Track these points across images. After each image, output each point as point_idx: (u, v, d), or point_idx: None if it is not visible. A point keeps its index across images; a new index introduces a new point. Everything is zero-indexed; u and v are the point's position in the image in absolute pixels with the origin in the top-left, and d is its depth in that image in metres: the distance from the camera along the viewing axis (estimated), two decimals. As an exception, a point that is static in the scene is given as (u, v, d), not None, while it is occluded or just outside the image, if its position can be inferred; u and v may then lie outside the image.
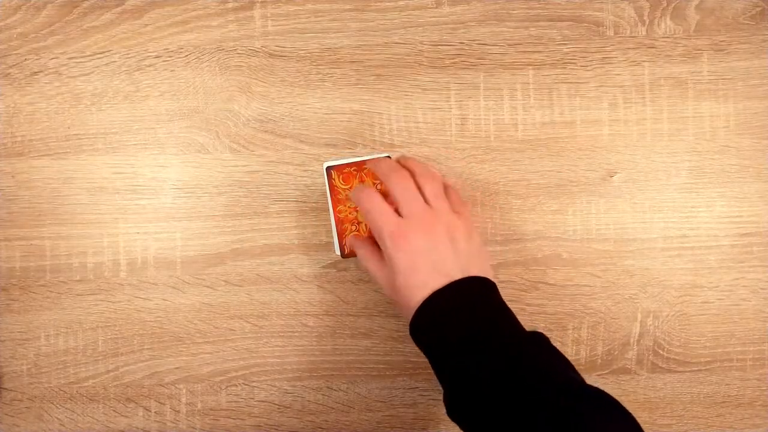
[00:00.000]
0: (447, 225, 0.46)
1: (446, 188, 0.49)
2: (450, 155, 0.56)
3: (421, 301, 0.44)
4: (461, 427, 0.43)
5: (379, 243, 0.47)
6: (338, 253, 0.53)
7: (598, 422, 0.38)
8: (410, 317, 0.45)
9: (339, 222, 0.55)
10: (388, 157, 0.52)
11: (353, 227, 0.55)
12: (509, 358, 0.41)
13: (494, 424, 0.40)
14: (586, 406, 0.39)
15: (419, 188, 0.48)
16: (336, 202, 0.55)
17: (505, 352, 0.42)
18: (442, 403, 0.55)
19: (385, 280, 0.47)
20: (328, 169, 0.55)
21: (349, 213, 0.55)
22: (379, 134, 0.56)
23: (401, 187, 0.47)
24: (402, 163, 0.50)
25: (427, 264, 0.44)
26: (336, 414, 0.56)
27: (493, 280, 0.46)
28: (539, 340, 0.44)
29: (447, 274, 0.44)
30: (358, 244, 0.51)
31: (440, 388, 0.55)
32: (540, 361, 0.42)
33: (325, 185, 0.54)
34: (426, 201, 0.47)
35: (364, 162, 0.54)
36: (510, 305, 0.55)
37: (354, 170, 0.55)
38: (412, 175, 0.48)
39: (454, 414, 0.43)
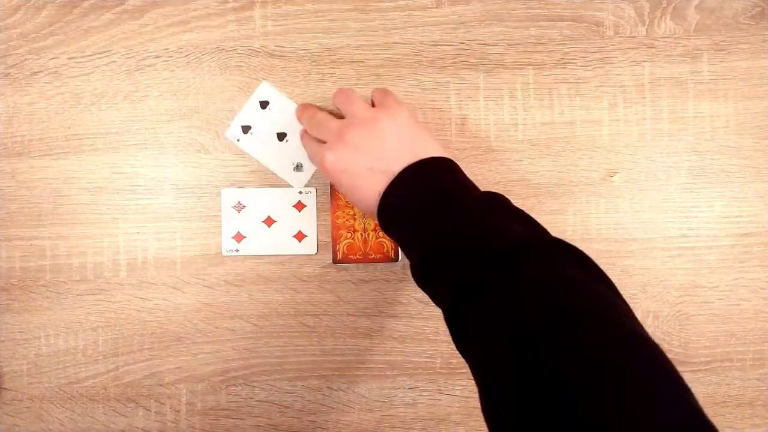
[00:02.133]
0: (364, 124, 0.46)
1: (372, 95, 0.51)
2: (450, 155, 0.56)
3: (376, 205, 0.45)
4: (426, 292, 0.44)
5: (323, 174, 0.48)
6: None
7: (542, 257, 0.38)
8: (376, 218, 0.47)
9: (335, 227, 0.55)
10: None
11: (348, 234, 0.55)
12: (461, 218, 0.42)
13: (447, 277, 0.41)
14: (534, 247, 0.39)
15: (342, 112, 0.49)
16: (335, 207, 0.55)
17: (454, 214, 0.42)
18: (442, 404, 0.56)
19: (343, 195, 0.51)
20: None
21: (347, 220, 0.55)
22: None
23: (312, 120, 0.51)
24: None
25: (363, 173, 0.45)
26: (336, 414, 0.56)
27: (437, 154, 0.46)
28: (492, 199, 0.44)
29: (388, 171, 0.45)
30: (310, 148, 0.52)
31: (440, 388, 0.56)
32: (487, 217, 0.42)
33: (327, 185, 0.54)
34: (341, 117, 0.49)
35: None
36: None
37: None
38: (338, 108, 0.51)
39: (418, 280, 0.44)
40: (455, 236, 0.41)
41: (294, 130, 0.55)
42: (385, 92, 0.51)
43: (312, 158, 0.52)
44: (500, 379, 0.35)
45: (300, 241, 0.55)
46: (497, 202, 0.44)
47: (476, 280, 0.39)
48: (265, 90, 0.55)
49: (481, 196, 0.44)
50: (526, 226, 0.42)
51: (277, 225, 0.55)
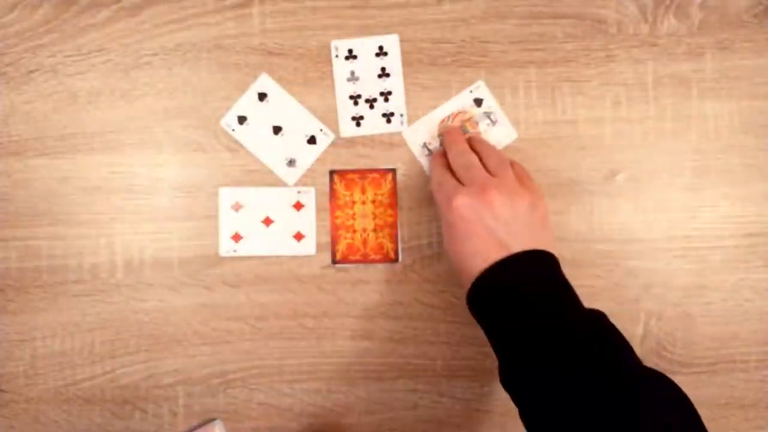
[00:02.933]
0: (509, 194, 0.46)
1: (512, 163, 0.50)
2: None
3: (480, 272, 0.44)
4: (514, 398, 0.44)
5: (439, 208, 0.48)
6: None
7: (655, 405, 0.39)
8: (467, 285, 0.46)
9: (334, 228, 0.54)
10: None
11: (348, 234, 0.54)
12: (567, 333, 0.42)
13: (549, 397, 0.41)
14: (645, 387, 0.40)
15: (482, 161, 0.49)
16: (335, 207, 0.54)
17: (564, 327, 0.42)
18: (443, 406, 0.55)
19: (445, 237, 0.48)
20: (331, 173, 0.54)
21: (346, 220, 0.54)
22: (388, 135, 0.55)
23: (462, 158, 0.49)
24: (469, 142, 0.51)
25: (484, 233, 0.45)
26: (335, 416, 0.55)
27: (554, 253, 0.46)
28: (598, 318, 0.44)
29: (506, 245, 0.44)
30: (437, 174, 0.50)
31: (440, 390, 0.55)
32: (599, 339, 0.42)
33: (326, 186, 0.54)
34: (488, 172, 0.48)
35: (368, 170, 0.54)
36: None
37: (357, 177, 0.54)
38: (474, 148, 0.50)
39: (508, 384, 0.44)
40: (566, 350, 0.41)
41: (290, 125, 0.55)
42: (530, 177, 0.50)
43: (439, 188, 0.49)
44: None
45: (299, 242, 0.55)
46: (602, 322, 0.44)
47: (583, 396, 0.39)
48: (264, 82, 0.54)
49: (589, 312, 0.45)
50: (630, 353, 0.43)
51: (276, 225, 0.55)
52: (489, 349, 0.55)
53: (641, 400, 0.38)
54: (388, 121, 0.55)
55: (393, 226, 0.55)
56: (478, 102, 0.55)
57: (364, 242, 0.54)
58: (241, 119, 0.55)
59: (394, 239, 0.55)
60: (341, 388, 0.55)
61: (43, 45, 0.55)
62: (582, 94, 0.55)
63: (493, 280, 0.44)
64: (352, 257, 0.55)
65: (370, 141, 0.55)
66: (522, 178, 0.49)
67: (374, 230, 0.55)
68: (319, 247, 0.55)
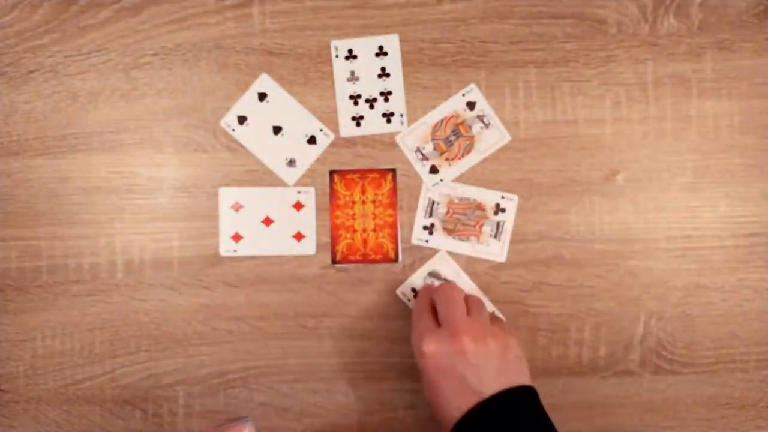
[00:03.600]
0: (481, 336, 0.46)
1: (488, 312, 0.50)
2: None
3: (454, 421, 0.44)
4: None
5: (414, 351, 0.48)
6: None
7: None
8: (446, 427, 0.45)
9: (334, 228, 0.54)
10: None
11: (348, 234, 0.54)
12: None
13: None
14: None
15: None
16: (335, 207, 0.54)
17: None
18: (442, 406, 0.55)
19: (422, 381, 0.48)
20: (331, 173, 0.54)
21: (346, 220, 0.54)
22: (389, 135, 0.55)
23: (445, 297, 0.49)
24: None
25: (454, 380, 0.44)
26: (335, 416, 0.55)
27: (529, 384, 0.46)
28: None
29: (478, 391, 0.44)
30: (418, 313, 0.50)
31: (441, 390, 0.55)
32: None
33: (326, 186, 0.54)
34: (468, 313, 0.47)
35: (368, 170, 0.54)
36: (512, 306, 0.55)
37: (357, 177, 0.54)
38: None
39: None
40: None
41: (290, 125, 0.55)
42: (499, 318, 0.51)
43: (415, 326, 0.49)
44: None
45: (299, 242, 0.55)
46: None
47: None
48: (264, 82, 0.54)
49: None
50: None
51: (276, 225, 0.55)
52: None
53: None
54: (388, 120, 0.55)
55: (393, 226, 0.55)
56: (471, 105, 0.55)
57: (364, 242, 0.55)
58: (241, 119, 0.55)
59: (394, 239, 0.55)
60: (341, 388, 0.55)
61: (43, 45, 0.55)
62: (582, 94, 0.55)
63: (471, 429, 0.44)
64: (352, 257, 0.55)
65: (370, 141, 0.55)
66: (496, 321, 0.49)
67: (374, 230, 0.55)
68: (319, 247, 0.55)
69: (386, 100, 0.55)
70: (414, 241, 0.55)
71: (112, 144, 0.55)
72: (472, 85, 0.55)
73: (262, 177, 0.55)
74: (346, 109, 0.55)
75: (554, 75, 0.55)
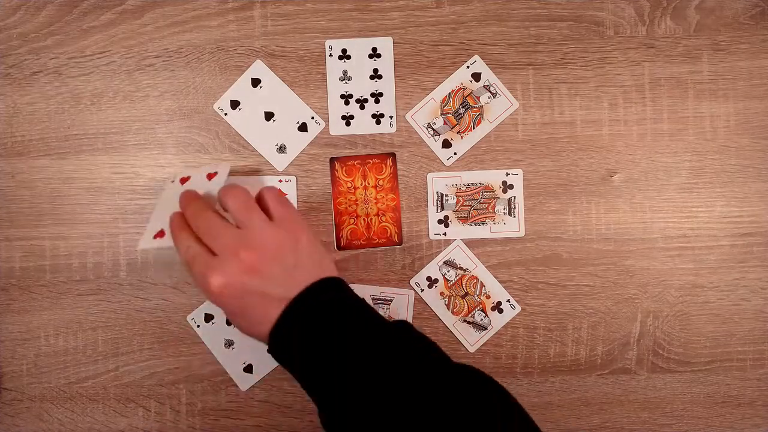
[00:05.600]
0: (263, 244, 0.41)
1: (260, 193, 0.45)
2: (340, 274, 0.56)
3: (267, 333, 0.41)
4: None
5: (203, 293, 0.43)
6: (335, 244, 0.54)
7: (466, 395, 0.39)
8: (266, 345, 0.43)
9: (338, 214, 0.55)
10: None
11: (351, 220, 0.55)
12: (374, 350, 0.40)
13: (374, 413, 0.39)
14: (453, 381, 0.40)
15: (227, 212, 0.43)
16: (337, 194, 0.55)
17: (370, 345, 0.40)
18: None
19: (225, 313, 0.44)
20: (332, 159, 0.55)
21: (349, 206, 0.55)
22: (379, 134, 0.56)
23: (200, 221, 0.43)
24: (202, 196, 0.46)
25: (255, 299, 0.41)
26: (336, 414, 0.55)
27: (334, 275, 0.43)
28: (402, 327, 0.43)
29: (281, 297, 0.41)
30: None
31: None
32: (408, 345, 0.41)
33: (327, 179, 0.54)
34: (237, 224, 0.42)
35: (368, 156, 0.54)
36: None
37: (357, 163, 0.55)
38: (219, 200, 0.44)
39: (329, 425, 0.41)
40: (366, 371, 0.40)
41: (282, 112, 0.55)
42: (280, 201, 0.45)
43: (191, 264, 0.42)
44: None
45: None
46: (402, 330, 0.43)
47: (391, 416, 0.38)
48: (258, 68, 0.55)
49: (385, 325, 0.42)
50: (436, 353, 0.42)
51: None
52: (487, 347, 0.55)
53: (457, 392, 0.39)
54: (378, 122, 0.55)
55: (395, 209, 0.55)
56: (476, 76, 0.55)
57: (368, 227, 0.55)
58: (234, 104, 0.55)
59: (397, 222, 0.55)
60: (342, 386, 0.56)
61: (47, 47, 0.55)
62: (579, 96, 0.56)
63: (284, 337, 0.41)
64: (356, 242, 0.55)
65: (370, 142, 0.56)
66: (275, 209, 0.44)
67: (377, 215, 0.55)
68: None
69: (377, 101, 0.55)
70: (432, 236, 0.55)
71: (116, 145, 0.56)
72: (476, 57, 0.55)
73: (264, 178, 0.56)
74: (336, 108, 0.56)
75: (552, 77, 0.56)
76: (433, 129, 0.55)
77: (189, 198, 0.45)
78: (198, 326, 0.55)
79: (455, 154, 0.55)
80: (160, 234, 0.47)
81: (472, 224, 0.55)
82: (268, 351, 0.43)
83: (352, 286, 0.54)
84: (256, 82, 0.55)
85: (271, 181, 0.55)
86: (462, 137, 0.55)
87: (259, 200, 0.45)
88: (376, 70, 0.55)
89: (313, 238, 0.44)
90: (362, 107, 0.55)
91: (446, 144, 0.55)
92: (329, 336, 0.40)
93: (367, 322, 0.42)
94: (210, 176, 0.48)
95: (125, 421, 0.55)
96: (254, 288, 0.41)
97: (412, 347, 0.42)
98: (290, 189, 0.55)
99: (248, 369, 0.55)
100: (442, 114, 0.55)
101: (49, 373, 0.55)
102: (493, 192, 0.55)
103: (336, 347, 0.40)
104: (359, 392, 0.39)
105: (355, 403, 0.39)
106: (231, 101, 0.55)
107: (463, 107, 0.55)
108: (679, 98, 0.56)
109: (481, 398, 0.39)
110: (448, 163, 0.55)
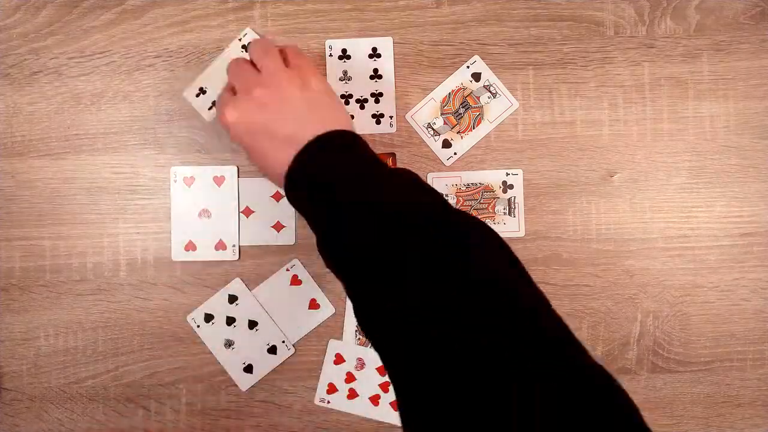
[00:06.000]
0: (275, 83, 0.44)
1: (280, 49, 0.47)
2: (356, 130, 0.56)
3: (282, 175, 0.43)
4: (334, 268, 0.42)
5: (224, 129, 0.46)
6: None
7: (471, 238, 0.38)
8: (283, 186, 0.44)
9: None
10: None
11: None
12: (377, 193, 0.40)
13: (368, 255, 0.39)
14: (456, 224, 0.39)
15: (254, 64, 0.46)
16: None
17: (372, 189, 0.41)
18: (442, 404, 0.56)
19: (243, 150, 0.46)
20: None
21: None
22: (379, 134, 0.56)
23: (233, 67, 0.46)
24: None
25: (266, 137, 0.43)
26: (336, 414, 0.56)
27: (348, 128, 0.44)
28: (408, 177, 0.42)
29: (294, 139, 0.42)
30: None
31: (440, 388, 0.56)
32: (415, 198, 0.41)
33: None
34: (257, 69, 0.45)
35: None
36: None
37: None
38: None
39: (327, 254, 0.42)
40: (373, 214, 0.40)
41: None
42: (297, 53, 0.48)
43: (217, 110, 0.48)
44: None
45: (278, 232, 0.55)
46: (411, 178, 0.42)
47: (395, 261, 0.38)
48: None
49: (396, 171, 0.43)
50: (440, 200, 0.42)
51: (255, 215, 0.55)
52: (488, 348, 0.55)
53: (469, 240, 0.38)
54: (378, 122, 0.55)
55: None
56: (476, 76, 0.55)
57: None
58: (201, 90, 0.55)
59: None
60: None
61: (47, 47, 0.55)
62: (580, 96, 0.56)
63: (297, 182, 0.42)
64: None
65: (370, 142, 0.56)
66: (292, 58, 0.46)
67: None
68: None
69: (377, 101, 0.55)
70: None
71: (115, 145, 0.56)
72: (476, 57, 0.55)
73: (263, 178, 0.56)
74: None
75: (552, 77, 0.56)
76: (433, 129, 0.55)
77: (235, 62, 0.48)
78: (198, 326, 0.55)
79: (455, 154, 0.55)
80: (201, 91, 0.52)
81: None
82: (285, 194, 0.44)
83: (352, 286, 0.55)
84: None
85: (269, 183, 0.55)
86: (462, 137, 0.55)
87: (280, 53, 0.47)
88: (376, 70, 0.55)
89: (325, 86, 0.46)
90: (362, 107, 0.55)
91: (446, 144, 0.55)
92: (338, 175, 0.41)
93: (375, 167, 0.42)
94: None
95: (125, 421, 0.55)
96: (263, 125, 0.43)
97: (417, 190, 0.41)
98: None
99: (248, 369, 0.55)
100: (442, 114, 0.55)
101: (49, 373, 0.55)
102: (493, 192, 0.55)
103: (344, 182, 0.41)
104: (364, 226, 0.39)
105: (357, 231, 0.39)
106: (199, 88, 0.55)
107: (463, 107, 0.55)
108: (679, 98, 0.56)
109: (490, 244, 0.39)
110: (448, 163, 0.55)
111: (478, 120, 0.55)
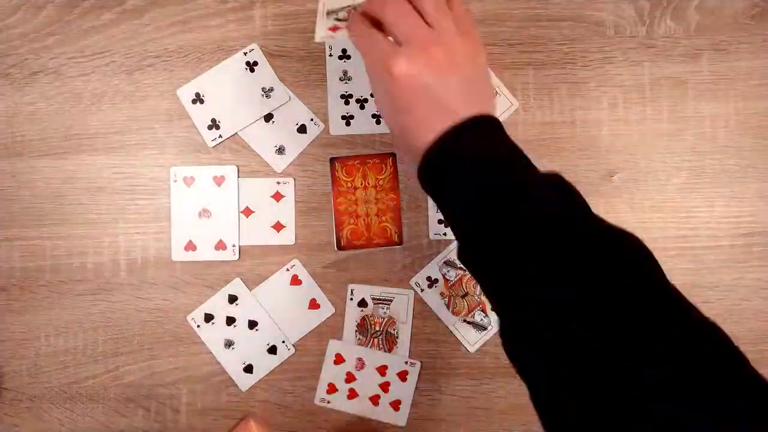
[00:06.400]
0: (451, 47, 0.41)
1: (449, 3, 0.43)
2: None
3: (428, 144, 0.40)
4: (474, 271, 0.41)
5: (378, 83, 0.42)
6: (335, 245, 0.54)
7: (621, 261, 0.38)
8: (417, 159, 0.41)
9: (338, 214, 0.55)
10: None
11: (351, 220, 0.55)
12: (527, 201, 0.39)
13: (512, 263, 0.38)
14: (608, 244, 0.38)
15: (418, 11, 0.42)
16: (337, 194, 0.55)
17: (523, 195, 0.39)
18: (441, 403, 0.56)
19: (385, 108, 0.43)
20: (332, 159, 0.55)
21: (349, 206, 0.55)
22: (379, 134, 0.56)
23: (394, 12, 0.42)
24: None
25: (429, 100, 0.40)
26: (336, 414, 0.56)
27: (495, 114, 0.42)
28: (557, 182, 0.41)
29: (452, 110, 0.40)
30: (362, 37, 0.44)
31: (440, 388, 0.56)
32: (557, 203, 0.39)
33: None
34: (426, 23, 0.41)
35: (368, 156, 0.54)
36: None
37: (357, 163, 0.55)
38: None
39: (467, 259, 0.41)
40: (527, 224, 0.38)
41: (280, 114, 0.55)
42: (473, 22, 0.44)
43: (370, 51, 0.43)
44: None
45: (278, 232, 0.55)
46: (561, 183, 0.41)
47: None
48: (254, 55, 0.55)
49: (545, 175, 0.41)
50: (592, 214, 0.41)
51: (255, 215, 0.55)
52: (488, 347, 0.55)
53: (623, 255, 0.38)
54: (378, 122, 0.55)
55: (395, 209, 0.55)
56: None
57: (368, 227, 0.55)
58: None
59: (397, 222, 0.55)
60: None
61: (47, 47, 0.55)
62: (580, 96, 0.56)
63: (445, 155, 0.40)
64: (356, 242, 0.55)
65: (370, 142, 0.56)
66: (462, 23, 0.43)
67: (377, 215, 0.55)
68: (320, 246, 0.56)
69: None
70: (432, 236, 0.55)
71: (116, 145, 0.56)
72: None
73: (264, 178, 0.56)
74: (336, 108, 0.56)
75: (552, 77, 0.56)
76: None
77: None
78: (198, 326, 0.55)
79: None
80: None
81: None
82: (418, 170, 0.41)
83: (353, 286, 0.55)
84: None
85: (269, 183, 0.55)
86: None
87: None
88: None
89: (485, 63, 0.43)
90: (362, 107, 0.55)
91: None
92: (490, 167, 0.39)
93: (527, 172, 0.40)
94: None
95: (125, 421, 0.55)
96: (431, 87, 0.40)
97: (565, 199, 0.40)
98: (288, 191, 0.55)
99: (248, 369, 0.55)
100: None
101: (49, 373, 0.55)
102: None
103: (496, 179, 0.39)
104: (505, 241, 0.38)
105: (505, 240, 0.38)
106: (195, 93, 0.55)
107: None
108: (679, 98, 0.56)
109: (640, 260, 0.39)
110: None
111: None
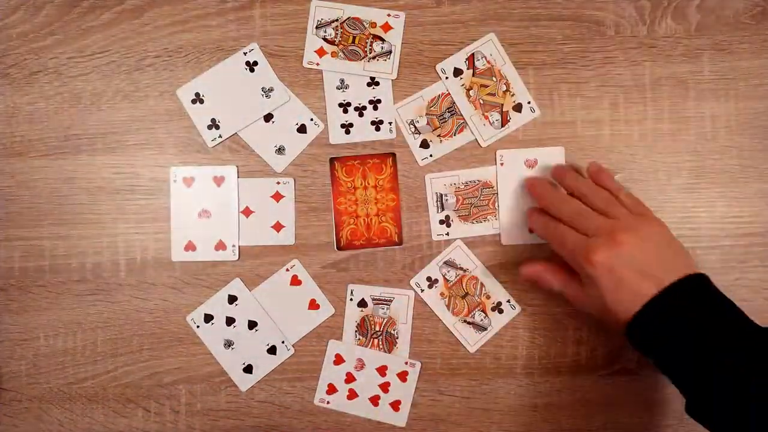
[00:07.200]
0: (636, 231, 0.47)
1: (616, 193, 0.50)
2: (450, 155, 0.56)
3: (635, 311, 0.45)
4: (707, 427, 0.44)
5: (575, 268, 0.48)
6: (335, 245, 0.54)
7: None
8: (620, 327, 0.46)
9: (338, 214, 0.55)
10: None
11: (351, 220, 0.55)
12: (750, 353, 0.42)
13: (750, 423, 0.41)
14: None
15: (588, 204, 0.49)
16: (337, 194, 0.55)
17: (745, 348, 0.43)
18: (443, 404, 0.55)
19: (589, 301, 0.48)
20: (332, 159, 0.55)
21: (349, 206, 0.55)
22: (379, 142, 0.56)
23: (567, 206, 0.49)
24: (560, 181, 0.52)
25: (630, 275, 0.45)
26: (336, 415, 0.55)
27: (698, 272, 0.46)
28: None
29: (656, 277, 0.45)
30: (547, 276, 0.51)
31: (440, 388, 0.55)
32: None
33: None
34: (602, 214, 0.48)
35: (368, 156, 0.54)
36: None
37: (357, 163, 0.55)
38: (573, 193, 0.50)
39: (700, 415, 0.44)
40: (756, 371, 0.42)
41: (280, 114, 0.55)
42: (635, 199, 0.51)
43: (564, 245, 0.49)
44: None
45: (278, 232, 0.55)
46: None
47: None
48: (255, 55, 0.55)
49: (759, 330, 0.45)
50: None
51: (255, 215, 0.55)
52: (488, 348, 0.55)
53: None
54: (377, 128, 0.55)
55: (395, 209, 0.55)
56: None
57: (368, 227, 0.55)
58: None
59: (397, 222, 0.55)
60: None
61: (47, 46, 0.55)
62: (580, 96, 0.56)
63: (656, 316, 0.44)
64: (356, 242, 0.55)
65: (370, 141, 0.56)
66: (634, 206, 0.49)
67: (377, 215, 0.55)
68: (319, 246, 0.56)
69: (375, 108, 0.55)
70: (434, 237, 0.55)
71: (115, 145, 0.55)
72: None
73: (263, 178, 0.55)
74: (335, 117, 0.55)
75: (552, 77, 0.56)
76: (415, 126, 0.55)
77: (544, 188, 0.52)
78: (198, 326, 0.55)
79: (431, 156, 0.55)
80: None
81: (473, 222, 0.55)
82: (627, 332, 0.46)
83: (352, 285, 0.55)
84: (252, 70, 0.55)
85: (268, 183, 0.55)
86: (441, 141, 0.55)
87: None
88: (372, 78, 0.55)
89: (670, 234, 0.49)
90: (361, 114, 0.55)
91: (424, 144, 0.55)
92: (703, 328, 0.44)
93: (742, 322, 0.45)
94: None
95: (125, 421, 0.55)
96: (631, 264, 0.45)
97: None
98: (288, 191, 0.55)
99: (248, 369, 0.55)
100: (426, 114, 0.55)
101: (48, 373, 0.55)
102: (492, 188, 0.55)
103: (711, 340, 0.43)
104: (737, 396, 0.42)
105: (733, 409, 0.42)
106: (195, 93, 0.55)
107: (449, 112, 0.55)
108: (680, 98, 0.56)
109: None
110: (422, 164, 0.55)
111: (460, 128, 0.55)
